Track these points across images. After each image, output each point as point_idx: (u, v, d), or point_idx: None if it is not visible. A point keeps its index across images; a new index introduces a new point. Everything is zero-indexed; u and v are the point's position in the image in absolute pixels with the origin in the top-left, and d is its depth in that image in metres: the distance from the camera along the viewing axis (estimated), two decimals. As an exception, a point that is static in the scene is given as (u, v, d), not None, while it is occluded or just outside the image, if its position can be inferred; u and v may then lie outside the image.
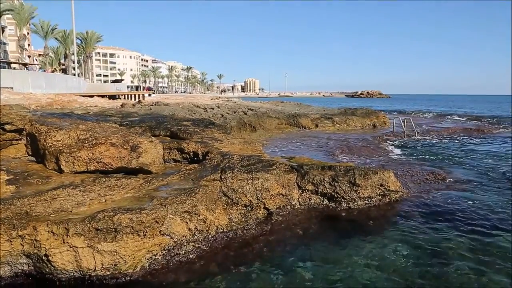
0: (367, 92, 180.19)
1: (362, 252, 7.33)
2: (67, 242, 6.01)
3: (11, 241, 6.04)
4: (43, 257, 5.99)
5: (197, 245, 7.19)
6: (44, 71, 53.65)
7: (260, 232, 8.01)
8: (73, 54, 63.69)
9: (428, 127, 31.61)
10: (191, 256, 6.96)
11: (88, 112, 19.13)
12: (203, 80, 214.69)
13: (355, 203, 9.48)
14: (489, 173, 14.08)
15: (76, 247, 6.01)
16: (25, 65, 53.91)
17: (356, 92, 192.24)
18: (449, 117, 45.22)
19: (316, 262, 7.00)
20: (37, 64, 72.37)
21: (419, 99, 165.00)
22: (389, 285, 6.17)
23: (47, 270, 6.02)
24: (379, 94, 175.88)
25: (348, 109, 35.51)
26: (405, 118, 29.83)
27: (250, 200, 8.39)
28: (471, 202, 10.24)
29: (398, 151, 19.26)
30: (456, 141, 24.19)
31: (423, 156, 17.78)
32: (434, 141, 23.83)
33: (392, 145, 21.39)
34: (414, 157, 17.43)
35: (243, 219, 8.18)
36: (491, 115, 46.16)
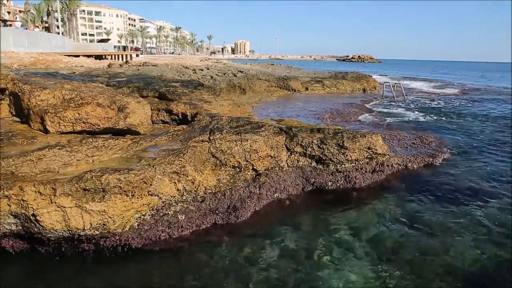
0: (358, 56, 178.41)
1: (345, 221, 7.56)
2: (55, 202, 5.99)
3: (-2, 201, 6.01)
4: (31, 217, 5.98)
5: (185, 206, 7.26)
6: (26, 28, 51.67)
7: (248, 194, 8.10)
8: (56, 11, 61.27)
9: (418, 92, 31.72)
10: (180, 217, 7.05)
11: (74, 72, 18.64)
12: (192, 41, 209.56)
13: (343, 166, 9.59)
14: (476, 136, 14.37)
15: (64, 207, 6.01)
16: (5, 22, 51.71)
17: (347, 56, 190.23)
18: (439, 83, 45.28)
19: (301, 229, 7.21)
20: (19, 21, 69.52)
21: (412, 64, 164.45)
22: (369, 254, 6.39)
23: (35, 230, 6.04)
24: (370, 58, 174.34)
25: (338, 73, 35.26)
26: (395, 83, 29.78)
27: (239, 162, 8.41)
28: (457, 169, 10.48)
29: (388, 117, 19.36)
30: (447, 104, 24.37)
31: (412, 119, 17.93)
32: (423, 105, 23.96)
33: (381, 110, 21.45)
34: (402, 121, 17.56)
35: (232, 180, 8.24)
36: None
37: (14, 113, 9.05)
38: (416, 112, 20.84)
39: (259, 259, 6.21)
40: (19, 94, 8.48)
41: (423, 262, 6.13)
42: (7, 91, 9.16)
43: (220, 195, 7.81)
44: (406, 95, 27.49)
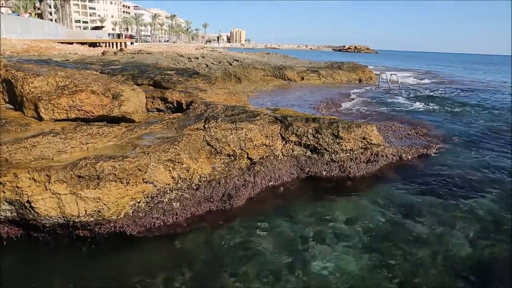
0: (355, 46, 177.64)
1: (339, 209, 7.64)
2: (50, 189, 5.99)
3: (-9, 188, 5.99)
4: (26, 204, 5.98)
5: (180, 193, 7.28)
6: (18, 15, 50.83)
7: (242, 182, 8.14)
8: (49, -3, 60.22)
9: (413, 83, 31.82)
10: (174, 205, 7.07)
11: (68, 60, 18.44)
12: (187, 29, 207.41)
13: (338, 155, 9.63)
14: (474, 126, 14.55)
15: (59, 194, 6.01)
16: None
17: (344, 46, 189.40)
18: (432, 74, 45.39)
19: (295, 216, 7.27)
20: (10, 7, 68.35)
21: (408, 56, 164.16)
22: (362, 242, 6.47)
23: (30, 216, 6.04)
24: (366, 49, 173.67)
25: (334, 63, 35.16)
26: (391, 74, 29.82)
27: (234, 150, 8.43)
28: (450, 161, 10.57)
29: (382, 106, 19.41)
30: (441, 94, 24.50)
31: (407, 109, 18.01)
32: (418, 94, 24.05)
33: (377, 100, 21.49)
34: (397, 111, 17.63)
35: (227, 169, 8.26)
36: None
37: (7, 100, 8.96)
38: (411, 102, 20.92)
39: (252, 246, 6.27)
40: (12, 81, 8.40)
41: (417, 251, 6.21)
42: (-1, 78, 9.08)
43: (214, 183, 7.84)
44: (401, 86, 27.57)
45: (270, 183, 8.62)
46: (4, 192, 6.01)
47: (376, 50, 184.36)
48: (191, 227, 6.79)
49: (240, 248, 6.21)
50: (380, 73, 30.78)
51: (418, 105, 19.99)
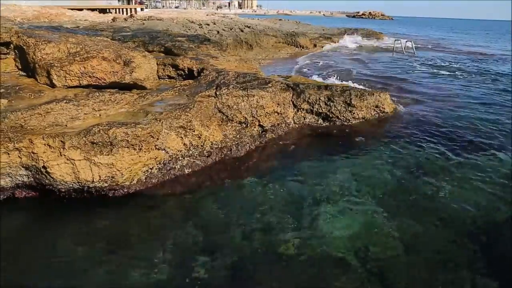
0: (369, 12, 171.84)
1: (350, 167, 7.56)
2: (64, 155, 6.10)
3: (8, 153, 6.12)
4: (42, 169, 6.12)
5: (192, 160, 7.35)
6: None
7: (253, 148, 8.15)
8: (58, -38, 59.09)
9: (428, 48, 30.94)
10: (186, 170, 7.16)
11: (78, 26, 18.33)
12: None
13: (349, 123, 9.55)
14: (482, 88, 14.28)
15: (73, 160, 6.12)
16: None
17: (358, 13, 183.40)
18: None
19: (303, 173, 7.24)
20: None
21: (424, 22, 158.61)
22: (370, 199, 6.44)
23: (46, 181, 6.19)
24: (381, 15, 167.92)
25: (348, 29, 34.36)
26: (406, 40, 29.02)
27: (245, 117, 8.42)
28: (464, 121, 10.38)
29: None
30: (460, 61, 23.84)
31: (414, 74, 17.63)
32: (434, 61, 23.44)
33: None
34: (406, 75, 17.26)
35: (238, 136, 8.28)
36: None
37: (20, 67, 9.01)
38: (425, 67, 20.43)
39: (260, 203, 6.26)
40: (24, 47, 8.39)
41: (425, 207, 6.17)
42: (11, 45, 9.08)
43: (226, 150, 7.88)
44: (416, 51, 26.86)
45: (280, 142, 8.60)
46: (21, 158, 6.15)
47: (391, 16, 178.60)
48: (201, 186, 6.84)
49: (248, 205, 6.21)
50: (395, 39, 29.96)
51: (433, 69, 19.60)
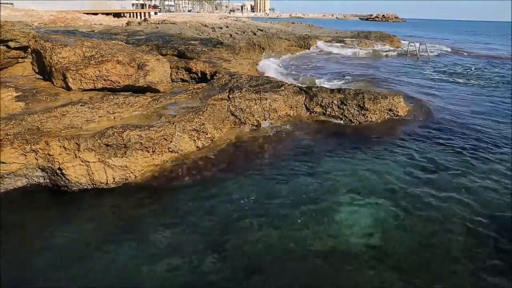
0: (382, 15, 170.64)
1: (364, 163, 7.46)
2: (79, 157, 6.19)
3: (25, 155, 6.24)
4: (57, 171, 6.21)
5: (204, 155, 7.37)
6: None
7: (266, 140, 8.07)
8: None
9: (443, 52, 30.55)
10: (199, 163, 7.08)
11: (93, 30, 18.60)
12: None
13: (362, 125, 9.48)
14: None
15: (88, 162, 6.21)
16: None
17: (371, 15, 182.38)
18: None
19: (317, 167, 7.17)
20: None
21: (439, 24, 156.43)
22: (384, 193, 6.35)
23: (62, 183, 6.28)
24: (395, 18, 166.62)
25: (361, 32, 34.12)
26: (420, 43, 28.67)
27: (258, 120, 8.42)
28: (478, 127, 10.18)
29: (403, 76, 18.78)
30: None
31: (432, 77, 17.40)
32: (450, 65, 23.10)
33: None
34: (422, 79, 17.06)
35: (251, 134, 8.26)
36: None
37: (37, 71, 9.18)
38: (435, 73, 20.13)
39: (275, 196, 6.22)
40: (41, 51, 8.56)
41: (440, 207, 6.06)
42: (29, 49, 9.26)
43: (239, 145, 7.87)
44: (431, 55, 26.54)
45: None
46: (37, 160, 6.26)
47: (404, 18, 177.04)
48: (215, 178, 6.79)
49: (263, 198, 6.16)
50: (409, 42, 29.65)
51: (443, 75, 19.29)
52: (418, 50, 26.84)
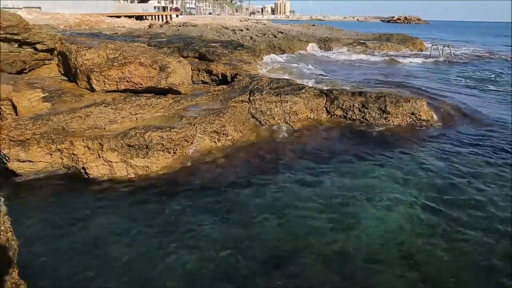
0: (405, 17, 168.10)
1: (385, 168, 7.34)
2: (102, 157, 6.31)
3: (51, 154, 6.40)
4: (81, 170, 6.34)
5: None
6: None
7: (286, 143, 8.02)
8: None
9: (468, 54, 29.82)
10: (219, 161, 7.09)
11: (116, 33, 18.95)
12: (231, 1, 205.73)
13: (384, 129, 9.34)
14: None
15: (111, 162, 6.32)
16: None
17: (393, 17, 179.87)
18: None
19: (341, 175, 7.09)
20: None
21: (463, 26, 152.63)
22: (409, 198, 6.24)
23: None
24: (417, 19, 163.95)
25: (383, 34, 33.74)
26: (443, 46, 28.10)
27: (278, 123, 8.40)
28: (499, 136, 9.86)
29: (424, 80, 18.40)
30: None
31: (456, 82, 17.02)
32: (475, 68, 22.52)
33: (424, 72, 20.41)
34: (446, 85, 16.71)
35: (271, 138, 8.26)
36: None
37: (62, 72, 9.41)
38: (465, 78, 19.64)
39: (298, 198, 6.15)
40: (67, 53, 8.77)
41: (464, 213, 5.91)
42: (55, 51, 9.51)
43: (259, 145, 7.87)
44: (455, 57, 25.97)
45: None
46: (62, 159, 6.40)
47: (428, 20, 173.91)
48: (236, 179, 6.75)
49: (285, 198, 6.13)
50: (432, 45, 29.10)
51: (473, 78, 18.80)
52: (442, 53, 26.32)
